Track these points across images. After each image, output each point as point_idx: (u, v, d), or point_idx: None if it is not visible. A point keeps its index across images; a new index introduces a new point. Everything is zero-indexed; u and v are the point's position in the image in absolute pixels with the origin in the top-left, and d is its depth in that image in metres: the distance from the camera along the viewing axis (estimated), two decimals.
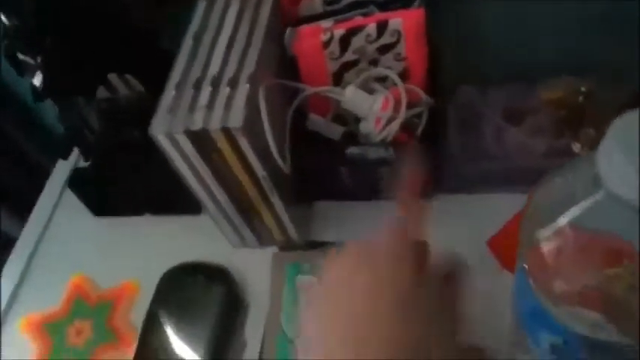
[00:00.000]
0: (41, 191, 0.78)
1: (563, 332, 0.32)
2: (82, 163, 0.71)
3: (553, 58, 0.67)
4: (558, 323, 0.32)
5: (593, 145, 0.62)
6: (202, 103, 0.51)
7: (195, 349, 0.57)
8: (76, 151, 0.74)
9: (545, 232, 0.33)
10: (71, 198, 0.74)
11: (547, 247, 0.33)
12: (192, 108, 0.51)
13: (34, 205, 0.77)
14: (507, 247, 0.59)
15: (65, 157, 0.71)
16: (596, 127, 0.62)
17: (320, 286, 0.40)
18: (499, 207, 0.61)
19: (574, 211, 0.31)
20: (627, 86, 0.62)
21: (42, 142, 0.93)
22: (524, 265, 0.35)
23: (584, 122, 0.63)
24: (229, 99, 0.51)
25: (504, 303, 0.55)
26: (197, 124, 0.50)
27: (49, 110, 0.92)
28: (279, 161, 0.53)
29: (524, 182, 0.63)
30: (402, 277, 0.37)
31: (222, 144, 0.51)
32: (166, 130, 0.50)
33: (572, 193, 0.32)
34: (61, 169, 0.79)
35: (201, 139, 0.51)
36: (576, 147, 0.62)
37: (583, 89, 0.66)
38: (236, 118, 0.50)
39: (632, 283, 0.30)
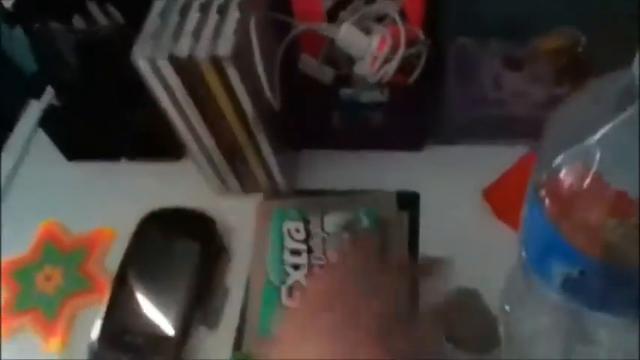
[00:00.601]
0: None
1: (581, 261, 0.30)
2: (55, 103, 0.66)
3: (553, 10, 0.64)
4: (576, 251, 0.30)
5: None
6: (189, 30, 0.47)
7: (174, 297, 0.54)
8: (49, 91, 0.70)
9: (566, 156, 0.30)
10: (43, 141, 0.69)
11: (567, 172, 0.30)
12: (177, 34, 0.47)
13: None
14: (503, 197, 0.58)
15: (37, 95, 0.66)
16: (596, 76, 0.60)
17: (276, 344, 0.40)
18: (495, 158, 0.59)
19: (597, 134, 0.29)
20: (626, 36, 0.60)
21: (11, 84, 0.88)
22: (539, 193, 0.32)
23: (584, 72, 0.61)
24: (218, 26, 0.47)
25: (498, 251, 0.53)
26: (183, 50, 0.46)
27: (20, 48, 0.87)
28: (270, 97, 0.50)
29: (522, 133, 0.61)
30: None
31: (210, 75, 0.47)
32: (149, 55, 0.46)
33: (592, 117, 0.30)
34: (33, 110, 0.74)
35: (186, 69, 0.47)
36: None
37: (583, 39, 0.63)
38: (225, 47, 0.46)
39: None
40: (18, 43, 0.82)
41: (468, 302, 0.51)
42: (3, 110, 0.85)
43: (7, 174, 0.70)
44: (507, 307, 0.47)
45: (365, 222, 0.54)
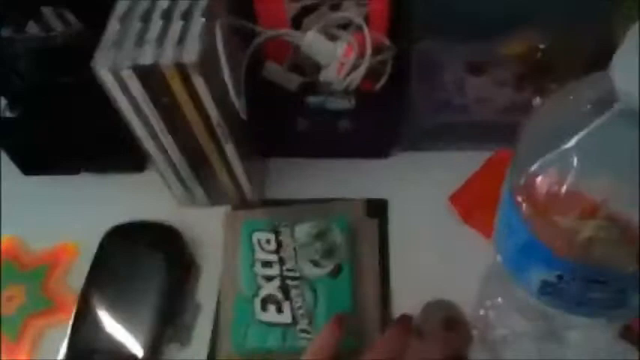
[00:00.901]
0: None
1: (559, 264, 0.30)
2: (9, 115, 0.63)
3: (516, 12, 0.66)
4: (553, 256, 0.30)
5: None
6: (152, 36, 0.46)
7: (142, 314, 0.52)
8: (1, 101, 0.67)
9: (543, 161, 0.30)
10: None
11: (544, 177, 0.30)
12: (140, 41, 0.46)
13: None
14: (469, 202, 0.58)
15: None
16: (557, 81, 0.62)
17: None
18: (461, 163, 0.60)
19: (573, 139, 0.29)
20: (585, 38, 0.62)
21: None
22: (516, 198, 0.33)
23: (544, 77, 0.62)
24: (183, 32, 0.46)
25: (467, 255, 0.54)
26: (147, 58, 0.45)
27: None
28: (237, 104, 0.49)
29: (486, 138, 0.62)
30: None
31: (175, 83, 0.46)
32: (111, 64, 0.45)
33: (568, 121, 0.30)
34: None
35: (151, 77, 0.46)
36: (537, 101, 0.61)
37: (541, 46, 0.65)
38: (191, 53, 0.45)
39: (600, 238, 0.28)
40: None
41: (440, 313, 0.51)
42: None
43: None
44: (482, 312, 0.48)
45: (336, 231, 0.54)
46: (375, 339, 0.47)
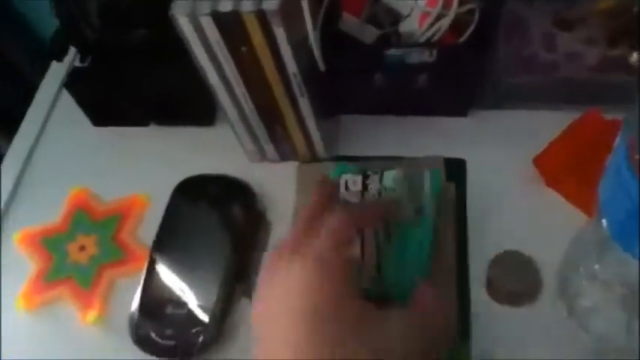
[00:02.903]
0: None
1: None
2: (79, 64, 0.63)
3: None
4: None
5: None
6: None
7: (214, 269, 0.52)
8: (71, 53, 0.66)
9: None
10: (66, 106, 0.67)
11: None
12: None
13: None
14: (554, 165, 0.55)
15: (60, 57, 0.63)
16: None
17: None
18: (545, 125, 0.56)
19: None
20: None
21: (27, 46, 0.84)
22: (633, 158, 0.30)
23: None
24: None
25: (549, 220, 0.52)
26: (226, 5, 0.43)
27: (36, 9, 0.84)
28: (317, 54, 0.47)
29: (574, 98, 0.58)
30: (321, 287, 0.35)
31: (254, 32, 0.44)
32: (189, 11, 0.43)
33: None
34: (55, 74, 0.71)
35: (229, 25, 0.44)
36: (634, 58, 0.57)
37: None
38: (272, 1, 0.43)
39: None
40: (35, 4, 0.79)
41: (514, 260, 0.50)
42: (23, 74, 0.83)
43: (31, 140, 0.67)
44: (572, 279, 0.45)
45: (427, 182, 0.50)
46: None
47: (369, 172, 0.51)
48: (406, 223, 0.48)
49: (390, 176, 0.51)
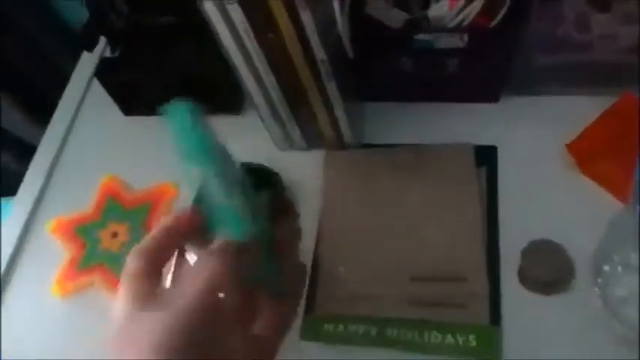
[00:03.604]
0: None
1: None
2: (109, 54, 0.63)
3: None
4: None
5: None
6: None
7: None
8: (101, 43, 0.67)
9: None
10: (97, 96, 0.67)
11: None
12: None
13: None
14: (589, 151, 0.54)
15: (90, 48, 0.64)
16: None
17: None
18: (578, 109, 0.55)
19: None
20: None
21: (59, 37, 0.86)
22: None
23: None
24: None
25: (583, 209, 0.51)
26: None
27: (73, 3, 0.85)
28: (345, 41, 0.46)
29: (608, 81, 0.56)
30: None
31: (281, 17, 0.44)
32: None
33: None
34: (86, 64, 0.72)
35: (257, 11, 0.44)
36: None
37: None
38: None
39: None
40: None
41: (546, 249, 0.49)
42: (56, 64, 0.84)
43: (63, 130, 0.68)
44: (606, 268, 0.44)
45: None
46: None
47: None
48: None
49: None
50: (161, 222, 0.33)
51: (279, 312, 0.36)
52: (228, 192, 0.32)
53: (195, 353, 0.29)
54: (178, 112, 0.32)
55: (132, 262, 0.32)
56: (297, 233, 0.39)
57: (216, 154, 0.32)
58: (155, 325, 0.29)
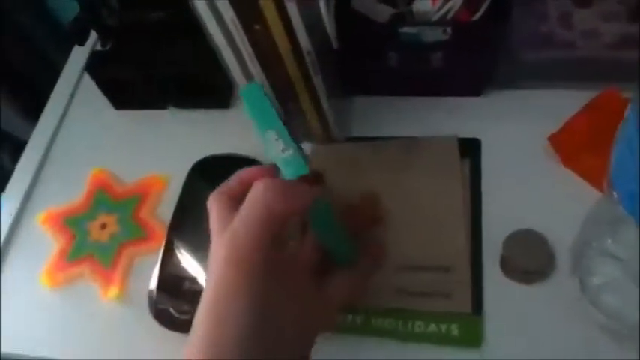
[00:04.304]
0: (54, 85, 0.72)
1: None
2: (99, 48, 0.64)
3: None
4: None
5: None
6: None
7: None
8: (92, 38, 0.68)
9: None
10: (88, 90, 0.68)
11: None
12: None
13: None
14: (570, 144, 0.55)
15: (82, 42, 0.64)
16: None
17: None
18: (560, 104, 0.56)
19: None
20: None
21: (49, 31, 0.86)
22: None
23: None
24: None
25: (564, 200, 0.52)
26: None
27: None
28: (330, 31, 0.47)
29: (590, 76, 0.57)
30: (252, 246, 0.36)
31: (268, 9, 0.45)
32: None
33: None
34: (77, 58, 0.72)
35: (244, 3, 0.44)
36: None
37: None
38: None
39: None
40: None
41: (527, 238, 0.50)
42: (46, 58, 0.84)
43: (54, 123, 0.69)
44: (585, 257, 0.45)
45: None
46: None
47: None
48: None
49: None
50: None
51: (350, 281, 0.42)
52: (289, 144, 0.41)
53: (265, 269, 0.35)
54: (252, 90, 0.43)
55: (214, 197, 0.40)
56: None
57: (279, 118, 0.42)
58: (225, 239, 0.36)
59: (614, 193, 0.35)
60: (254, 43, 0.48)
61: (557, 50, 0.57)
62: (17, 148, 0.84)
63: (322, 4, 0.46)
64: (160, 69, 0.62)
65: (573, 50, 0.57)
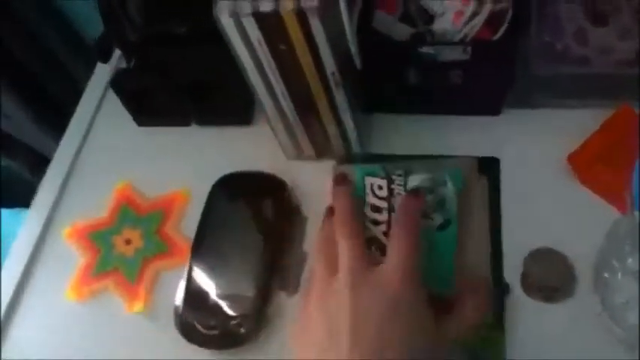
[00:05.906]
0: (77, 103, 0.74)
1: None
2: (123, 65, 0.65)
3: None
4: None
5: None
6: None
7: (251, 261, 0.54)
8: (117, 54, 0.69)
9: None
10: (112, 107, 0.69)
11: None
12: None
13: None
14: (588, 163, 0.55)
15: (105, 59, 0.66)
16: None
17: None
18: (578, 122, 0.57)
19: None
20: None
21: (74, 49, 0.88)
22: None
23: None
24: None
25: (583, 219, 0.52)
26: (267, 4, 0.45)
27: (82, 12, 0.87)
28: (354, 52, 0.48)
29: (607, 94, 0.58)
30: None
31: (293, 29, 0.46)
32: (232, 11, 0.45)
33: None
34: (101, 75, 0.74)
35: (270, 23, 0.46)
36: None
37: None
38: None
39: None
40: (80, 7, 0.83)
41: (548, 257, 0.51)
42: (71, 74, 0.86)
43: (78, 139, 0.70)
44: (606, 274, 0.45)
45: (449, 185, 0.52)
46: None
47: (393, 177, 0.52)
48: (430, 230, 0.48)
49: (416, 181, 0.50)
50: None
51: (465, 321, 0.42)
52: None
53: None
54: None
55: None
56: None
57: None
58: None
59: (636, 213, 0.36)
60: (279, 63, 0.49)
61: (573, 66, 0.57)
62: (37, 161, 0.86)
63: (347, 25, 0.47)
64: (182, 83, 0.63)
65: (588, 67, 0.57)
